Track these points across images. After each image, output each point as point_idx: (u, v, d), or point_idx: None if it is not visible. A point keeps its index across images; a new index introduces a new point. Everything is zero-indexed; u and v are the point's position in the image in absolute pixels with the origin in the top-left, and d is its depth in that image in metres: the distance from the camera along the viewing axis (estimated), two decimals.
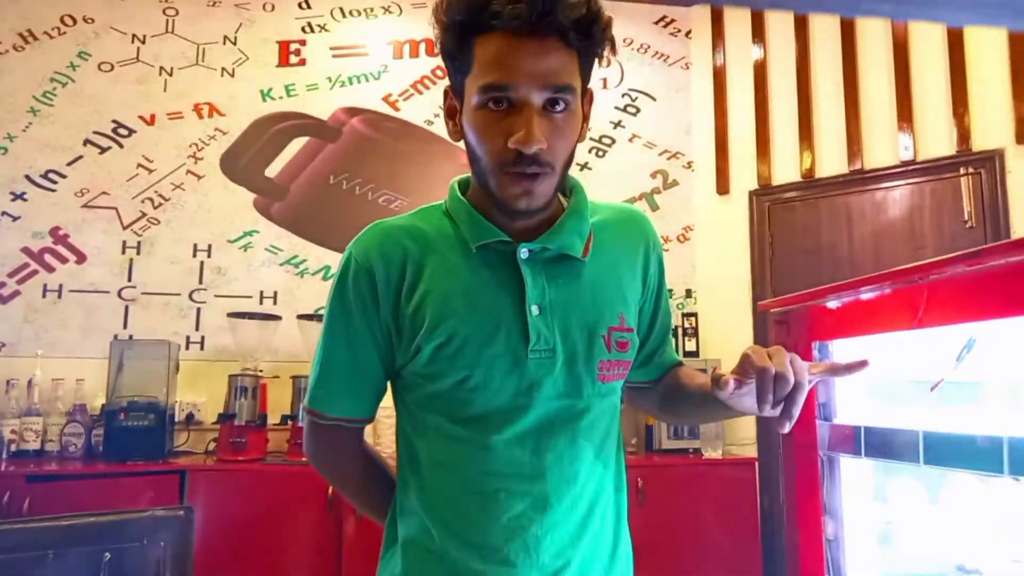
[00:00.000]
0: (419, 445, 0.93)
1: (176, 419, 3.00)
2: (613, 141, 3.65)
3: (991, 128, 2.89)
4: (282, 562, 2.62)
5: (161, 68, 3.35)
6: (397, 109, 3.51)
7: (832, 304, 1.03)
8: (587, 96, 0.91)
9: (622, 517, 0.98)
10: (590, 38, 0.83)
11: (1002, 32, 2.87)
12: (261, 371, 3.00)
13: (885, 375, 1.09)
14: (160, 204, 3.25)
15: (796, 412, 0.83)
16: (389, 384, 0.99)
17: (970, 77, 2.95)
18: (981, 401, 0.93)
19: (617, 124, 3.66)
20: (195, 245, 3.26)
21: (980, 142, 2.92)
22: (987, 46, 2.92)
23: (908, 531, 1.29)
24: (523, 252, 0.90)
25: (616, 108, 3.68)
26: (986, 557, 0.89)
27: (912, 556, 1.20)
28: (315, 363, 0.97)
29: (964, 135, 2.94)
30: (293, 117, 3.43)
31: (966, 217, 2.91)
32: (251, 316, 3.16)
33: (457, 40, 0.84)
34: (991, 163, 2.87)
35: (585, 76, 0.87)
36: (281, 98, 3.43)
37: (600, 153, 3.62)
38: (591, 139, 3.62)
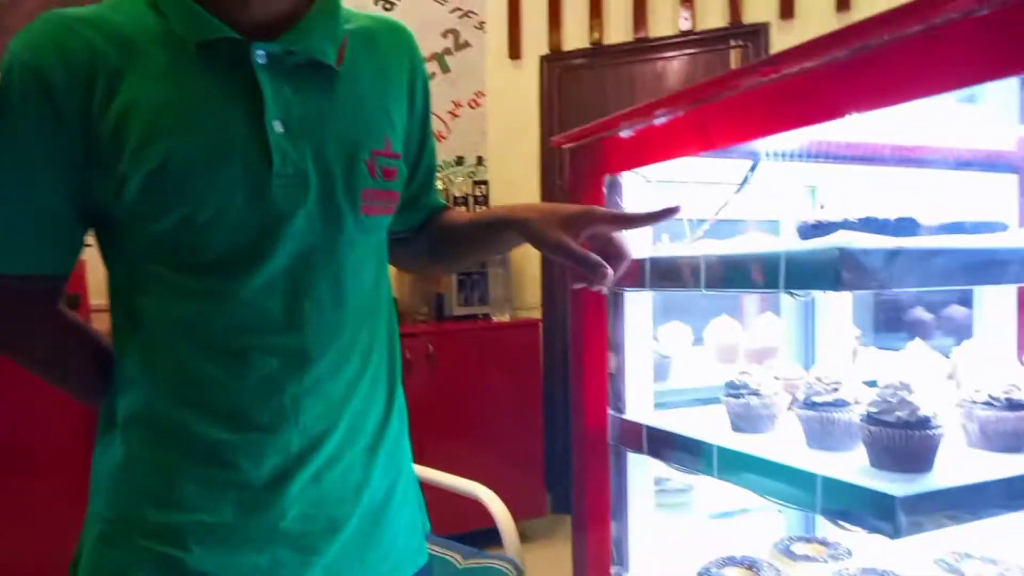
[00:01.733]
0: (141, 303, 0.75)
1: None
2: None
3: (759, 3, 3.06)
4: (31, 449, 2.31)
5: None
6: None
7: (625, 133, 0.99)
8: None
9: (397, 373, 0.87)
10: None
11: None
12: None
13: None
14: None
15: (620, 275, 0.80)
16: (96, 235, 0.78)
17: None
18: (757, 231, 0.95)
19: None
20: None
21: (749, 15, 3.08)
22: None
23: (679, 364, 1.37)
24: (259, 55, 0.72)
25: None
26: (752, 374, 0.94)
27: (687, 383, 1.28)
28: None
29: (736, 8, 3.10)
30: None
31: None
32: None
33: None
34: (757, 36, 3.06)
35: None
36: None
37: (387, 6, 3.34)
38: None
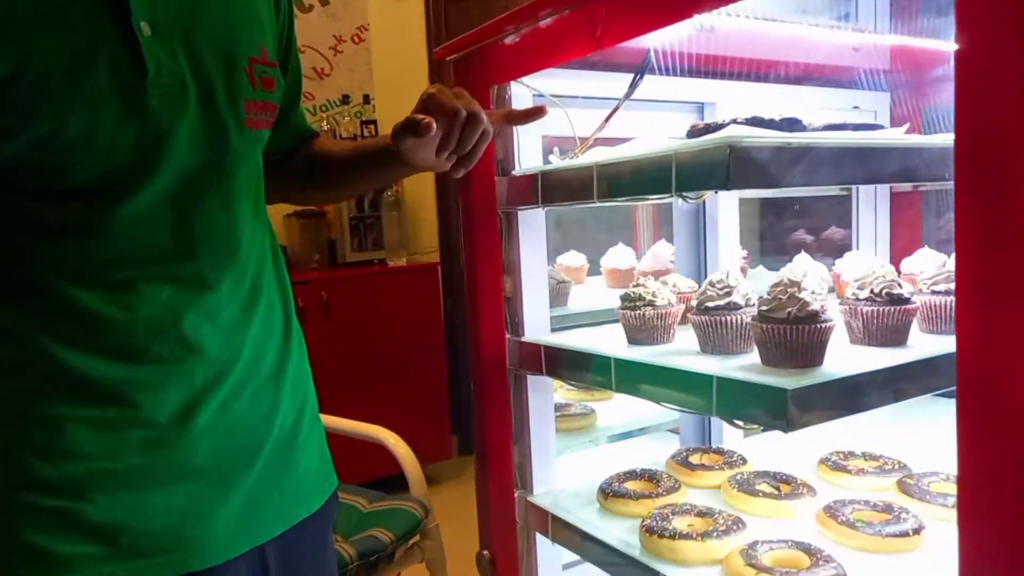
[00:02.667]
0: (2, 240, 0.67)
1: None
2: None
3: None
4: None
5: None
6: None
7: (510, 39, 0.93)
8: None
9: (289, 296, 0.83)
10: None
11: None
12: None
13: (561, 129, 1.05)
14: None
15: (477, 157, 0.77)
16: None
17: None
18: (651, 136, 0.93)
19: None
20: None
21: None
22: None
23: (576, 289, 1.36)
24: None
25: None
26: (646, 286, 0.93)
27: (578, 311, 1.27)
28: None
29: None
30: None
31: None
32: None
33: None
34: None
35: None
36: None
37: None
38: None
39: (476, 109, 0.74)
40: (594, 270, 1.61)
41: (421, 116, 0.72)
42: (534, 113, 0.80)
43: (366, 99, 3.40)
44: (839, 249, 1.46)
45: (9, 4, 0.60)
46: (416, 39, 3.34)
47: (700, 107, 1.22)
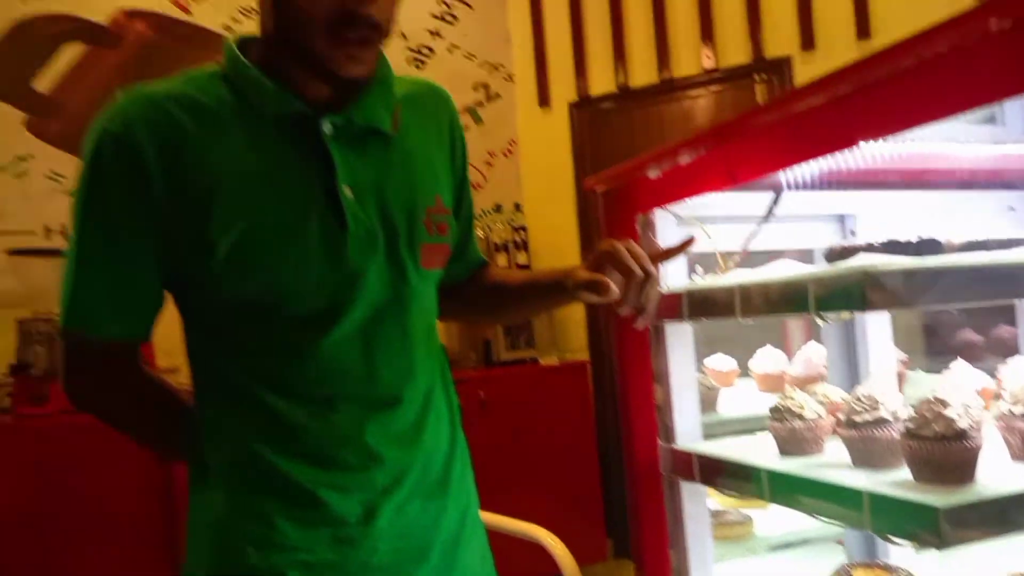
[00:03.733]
0: (226, 361, 0.82)
1: None
2: (432, 51, 3.53)
3: (780, 37, 3.11)
4: (109, 514, 2.40)
5: None
6: (188, 12, 3.14)
7: (653, 173, 1.04)
8: None
9: (455, 408, 0.94)
10: None
11: None
12: (57, 315, 2.67)
13: (703, 250, 1.13)
14: None
15: (654, 310, 0.82)
16: (173, 298, 0.84)
17: None
18: (785, 259, 0.99)
19: (436, 34, 3.54)
20: None
21: (771, 50, 3.13)
22: None
23: (726, 394, 1.39)
24: (327, 127, 0.78)
25: (433, 16, 3.54)
26: (795, 399, 0.97)
27: (733, 410, 1.30)
28: (67, 273, 0.78)
29: (757, 45, 3.15)
30: (63, 21, 2.96)
31: None
32: (37, 253, 2.78)
33: None
34: (780, 69, 3.10)
35: None
36: None
37: (419, 64, 3.49)
38: (410, 49, 3.47)
39: (652, 270, 0.78)
40: (743, 370, 1.61)
41: (601, 279, 0.78)
42: (685, 246, 0.86)
43: (516, 207, 3.64)
44: (1008, 350, 1.40)
45: (246, 176, 0.76)
46: (562, 148, 3.55)
47: (841, 218, 1.26)
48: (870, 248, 0.80)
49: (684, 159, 0.97)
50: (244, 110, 0.78)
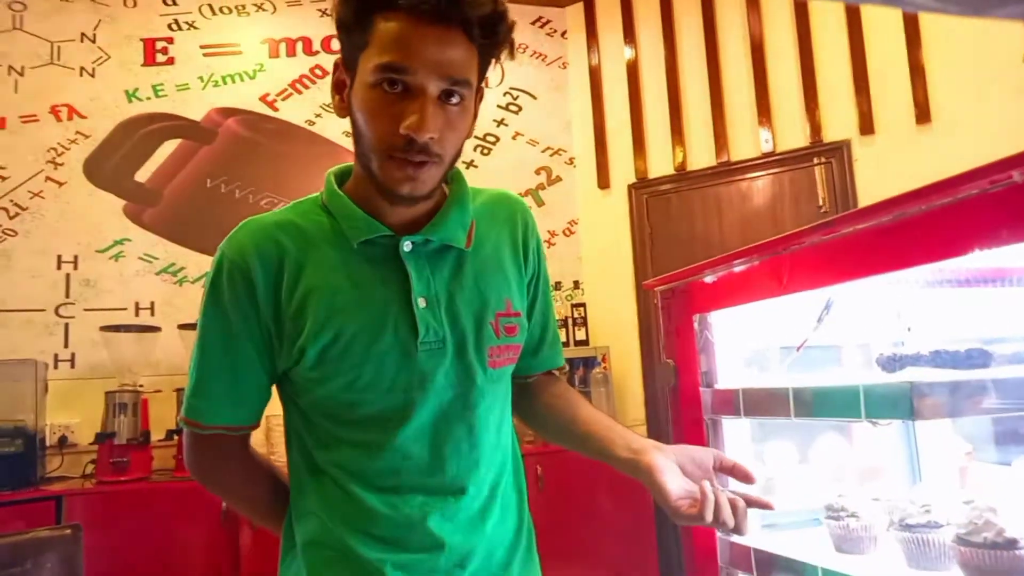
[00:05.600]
0: (312, 447, 0.91)
1: (48, 443, 2.79)
2: (497, 139, 3.71)
3: (839, 121, 3.17)
4: (181, 571, 2.50)
5: (10, 67, 3.11)
6: (276, 109, 3.41)
7: (709, 279, 1.12)
8: (479, 94, 0.90)
9: (523, 496, 0.99)
10: (493, 36, 0.83)
11: (844, 34, 3.16)
12: (141, 386, 2.85)
13: (759, 344, 1.19)
14: (17, 214, 3.02)
15: (745, 528, 0.82)
16: (276, 387, 0.95)
17: (819, 75, 3.22)
18: (837, 360, 1.04)
19: (500, 122, 3.73)
20: (59, 256, 3.04)
21: (830, 134, 3.19)
22: (832, 47, 3.20)
23: (784, 484, 1.41)
24: (406, 245, 0.88)
25: (499, 107, 3.75)
26: (850, 496, 1.00)
27: (789, 506, 1.32)
28: (191, 371, 0.92)
29: (816, 128, 3.21)
30: (163, 119, 3.27)
31: (820, 202, 3.18)
32: (127, 329, 2.99)
33: (356, 12, 0.81)
34: (840, 153, 3.15)
35: (482, 73, 0.86)
36: (149, 99, 3.26)
37: (485, 151, 3.68)
38: (476, 137, 3.67)
39: (744, 528, 0.80)
40: (802, 455, 1.62)
41: (697, 513, 0.79)
42: (747, 479, 0.89)
43: (575, 284, 3.73)
44: None
45: (333, 292, 0.86)
46: (620, 227, 3.65)
47: (898, 313, 1.30)
48: (919, 356, 0.85)
49: (738, 268, 1.04)
50: (337, 233, 0.90)
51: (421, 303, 0.88)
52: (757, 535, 1.15)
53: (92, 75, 3.21)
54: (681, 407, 1.22)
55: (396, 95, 0.81)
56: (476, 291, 0.91)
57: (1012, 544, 0.77)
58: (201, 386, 0.91)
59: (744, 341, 1.21)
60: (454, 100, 0.82)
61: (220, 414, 0.92)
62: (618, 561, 3.05)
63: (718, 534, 1.17)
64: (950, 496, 0.92)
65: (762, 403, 1.03)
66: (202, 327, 0.91)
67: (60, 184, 3.09)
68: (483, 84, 0.89)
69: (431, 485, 0.88)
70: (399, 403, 0.87)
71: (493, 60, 0.87)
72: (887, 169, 3.04)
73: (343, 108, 0.88)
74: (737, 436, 1.19)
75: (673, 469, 0.85)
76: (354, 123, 0.86)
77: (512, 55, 0.87)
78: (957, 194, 0.72)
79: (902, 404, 0.78)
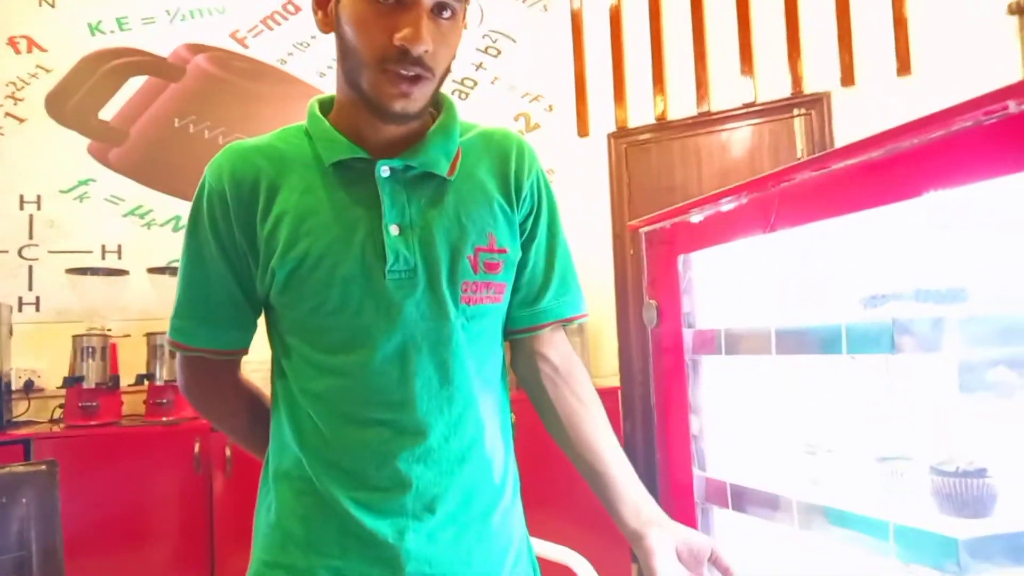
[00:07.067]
0: (289, 373, 0.91)
1: (12, 387, 2.75)
2: (476, 83, 3.64)
3: (820, 72, 3.16)
4: (150, 527, 2.50)
5: None
6: (247, 47, 3.30)
7: (695, 218, 1.11)
8: (465, 15, 0.87)
9: (509, 446, 0.96)
10: None
11: None
12: (110, 330, 2.80)
13: (742, 284, 1.19)
14: None
15: None
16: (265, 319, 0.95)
17: (802, 25, 3.20)
18: (820, 297, 1.05)
19: (479, 66, 3.66)
20: (22, 196, 2.95)
21: (811, 85, 3.18)
22: None
23: (763, 421, 1.43)
24: (383, 170, 0.86)
25: (477, 50, 3.66)
26: (829, 435, 1.02)
27: (766, 443, 1.34)
28: (176, 294, 0.94)
29: (797, 79, 3.20)
30: (128, 54, 3.14)
31: (799, 154, 3.18)
32: (94, 272, 2.93)
33: None
34: (820, 104, 3.15)
35: None
36: (113, 32, 3.13)
37: (463, 96, 3.61)
38: (454, 80, 3.59)
39: None
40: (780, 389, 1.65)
41: None
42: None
43: None
44: None
45: (303, 214, 0.85)
46: (599, 177, 3.62)
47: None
48: (901, 297, 0.85)
49: (725, 207, 1.03)
50: (316, 157, 0.88)
51: (393, 230, 0.86)
52: (734, 471, 1.17)
53: (52, 5, 3.06)
54: (663, 348, 1.23)
55: (389, 7, 0.79)
56: (456, 222, 0.89)
57: (982, 472, 0.79)
58: (181, 307, 0.93)
59: (727, 282, 1.22)
60: (446, 14, 0.81)
61: (198, 335, 0.93)
62: (588, 506, 3.09)
63: (694, 470, 1.19)
64: (925, 431, 0.94)
65: (744, 341, 1.04)
66: (184, 251, 0.92)
67: (21, 120, 2.98)
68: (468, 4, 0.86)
69: (401, 422, 0.86)
70: (365, 331, 0.86)
71: None
72: (867, 121, 3.05)
73: (327, 23, 0.86)
74: (717, 378, 1.20)
75: (669, 555, 0.87)
76: (341, 37, 0.83)
77: None
78: (950, 126, 0.72)
79: (884, 339, 0.79)
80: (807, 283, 1.18)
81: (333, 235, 0.85)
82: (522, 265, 0.96)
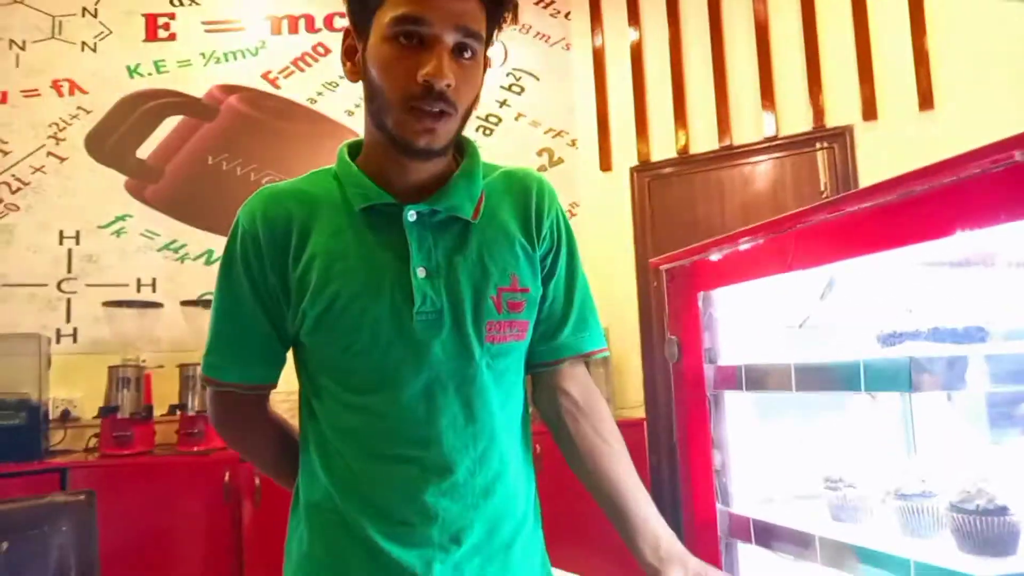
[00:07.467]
0: (318, 410, 0.93)
1: (50, 417, 2.82)
2: (500, 120, 3.71)
3: (842, 106, 3.18)
4: (180, 555, 2.54)
5: (11, 41, 3.10)
6: (277, 87, 3.41)
7: (714, 257, 1.14)
8: (487, 62, 0.90)
9: (531, 478, 0.98)
10: None
11: (849, 19, 3.16)
12: (144, 361, 2.87)
13: (761, 321, 1.21)
14: (18, 189, 3.02)
15: None
16: (292, 355, 0.98)
17: (823, 60, 3.23)
18: (839, 335, 1.06)
19: (503, 103, 3.73)
20: (61, 232, 3.06)
21: (833, 119, 3.20)
22: (837, 31, 3.20)
23: (784, 456, 1.44)
24: (410, 214, 0.89)
25: (501, 87, 3.74)
26: (848, 468, 1.03)
27: (788, 478, 1.34)
28: (209, 331, 0.97)
29: (819, 113, 3.22)
30: (165, 95, 3.27)
31: (822, 187, 3.19)
32: (129, 304, 3.01)
33: None
34: (842, 138, 3.16)
35: (490, 32, 0.88)
36: (151, 75, 3.26)
37: (487, 132, 3.68)
38: (478, 117, 3.67)
39: None
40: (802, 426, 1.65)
41: None
42: None
43: None
44: None
45: (333, 257, 0.88)
46: (623, 210, 3.65)
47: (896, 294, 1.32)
48: (917, 336, 0.87)
49: (744, 246, 1.06)
50: (344, 201, 0.92)
51: (420, 273, 0.89)
52: (756, 507, 1.18)
53: (94, 50, 3.20)
54: (684, 383, 1.25)
55: (412, 47, 0.83)
56: (479, 264, 0.91)
57: (1002, 511, 0.80)
58: (215, 345, 0.96)
59: (747, 319, 1.23)
60: (467, 55, 0.85)
61: (231, 371, 0.97)
62: (614, 537, 3.08)
63: (717, 505, 1.20)
64: (945, 468, 0.95)
65: (764, 378, 1.05)
66: (217, 290, 0.96)
67: (62, 159, 3.10)
68: (491, 42, 0.90)
69: (428, 459, 0.88)
70: (394, 371, 0.88)
71: (498, 25, 0.89)
72: (889, 155, 3.05)
73: (355, 72, 0.91)
74: (739, 413, 1.22)
75: None
76: (368, 82, 0.87)
77: (516, 19, 0.89)
78: (960, 173, 0.74)
79: (901, 377, 0.81)
80: (826, 319, 1.19)
81: (363, 278, 0.89)
82: (542, 300, 0.98)
